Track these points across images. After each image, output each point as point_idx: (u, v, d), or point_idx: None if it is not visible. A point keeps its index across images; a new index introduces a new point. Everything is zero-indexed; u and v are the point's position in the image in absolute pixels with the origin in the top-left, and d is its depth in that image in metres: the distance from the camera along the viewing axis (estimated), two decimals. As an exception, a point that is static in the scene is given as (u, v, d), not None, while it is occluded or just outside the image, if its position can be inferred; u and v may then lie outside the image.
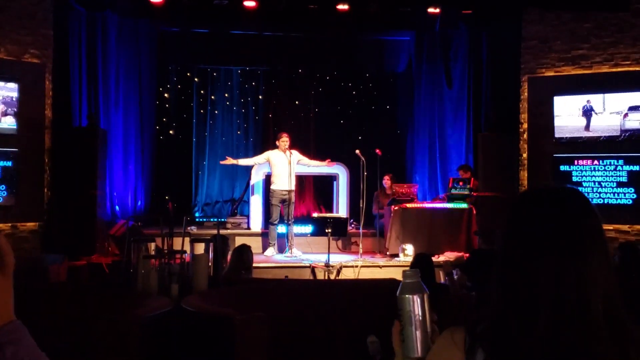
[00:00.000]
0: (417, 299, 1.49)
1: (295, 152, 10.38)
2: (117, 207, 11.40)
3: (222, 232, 9.65)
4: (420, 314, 1.48)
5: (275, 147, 10.47)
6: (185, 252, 5.40)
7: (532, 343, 1.28)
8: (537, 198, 1.43)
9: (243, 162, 10.87)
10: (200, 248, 5.30)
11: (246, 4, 10.62)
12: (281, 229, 10.53)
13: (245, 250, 6.59)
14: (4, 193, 9.61)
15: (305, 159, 10.66)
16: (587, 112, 10.31)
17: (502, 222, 1.45)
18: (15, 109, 9.74)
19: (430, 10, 11.17)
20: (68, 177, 9.99)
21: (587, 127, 10.32)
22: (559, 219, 1.35)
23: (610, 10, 10.13)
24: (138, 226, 9.95)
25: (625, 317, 1.34)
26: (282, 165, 10.24)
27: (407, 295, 1.49)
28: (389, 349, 1.55)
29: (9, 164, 9.66)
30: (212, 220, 12.01)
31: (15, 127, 9.75)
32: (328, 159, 10.83)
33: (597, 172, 10.19)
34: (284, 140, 10.32)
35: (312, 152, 12.04)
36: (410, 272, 1.53)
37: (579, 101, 10.36)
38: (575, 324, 1.28)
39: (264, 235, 10.73)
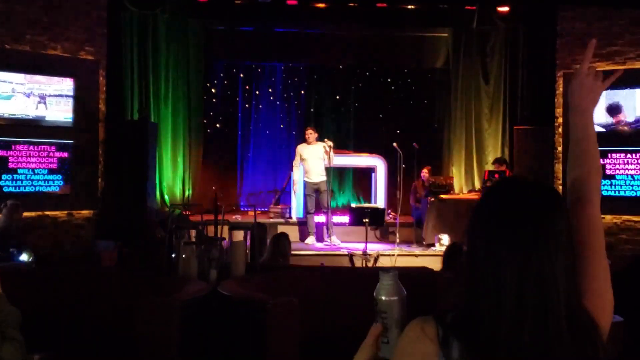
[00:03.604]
0: (404, 301, 1.40)
1: (324, 145, 10.24)
2: (166, 197, 11.54)
3: (265, 220, 9.71)
4: (404, 315, 1.39)
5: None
6: (223, 239, 5.43)
7: (499, 336, 1.21)
8: (507, 192, 1.33)
9: (296, 176, 10.73)
10: (238, 235, 5.31)
11: (288, 3, 10.63)
12: (319, 217, 10.53)
13: (282, 238, 6.61)
14: (60, 183, 9.82)
15: (328, 155, 10.26)
16: (616, 108, 10.03)
17: (470, 213, 1.34)
18: (72, 104, 9.94)
19: (468, 7, 11.03)
20: (120, 167, 10.15)
21: (618, 121, 10.04)
22: (526, 216, 1.26)
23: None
24: (185, 215, 10.04)
25: (588, 319, 1.27)
26: (311, 158, 10.26)
27: (395, 298, 1.40)
28: None
29: (66, 155, 9.87)
30: (255, 209, 12.04)
31: (71, 120, 9.94)
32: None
33: (630, 165, 9.91)
34: (309, 133, 10.36)
35: (352, 144, 11.98)
36: (391, 274, 1.41)
37: (612, 96, 10.09)
38: (537, 322, 1.21)
39: (305, 224, 10.74)
